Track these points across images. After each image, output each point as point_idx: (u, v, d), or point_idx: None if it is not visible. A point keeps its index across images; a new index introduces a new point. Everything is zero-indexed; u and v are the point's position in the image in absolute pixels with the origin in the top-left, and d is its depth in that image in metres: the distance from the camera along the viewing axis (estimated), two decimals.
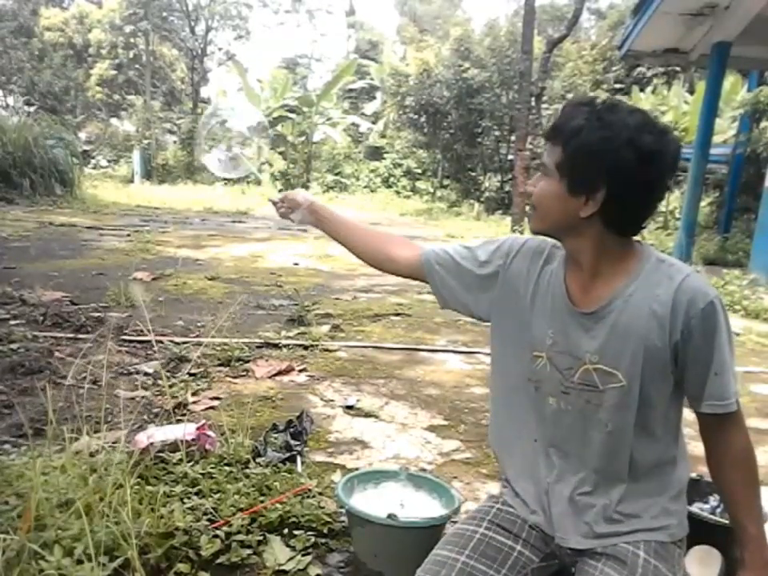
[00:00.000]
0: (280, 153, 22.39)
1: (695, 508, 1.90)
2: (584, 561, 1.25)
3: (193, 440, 2.28)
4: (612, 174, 1.14)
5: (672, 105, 16.17)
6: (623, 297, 1.20)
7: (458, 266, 1.40)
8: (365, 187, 23.27)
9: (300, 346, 4.07)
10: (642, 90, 17.42)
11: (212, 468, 2.18)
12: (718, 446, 1.26)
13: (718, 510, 1.99)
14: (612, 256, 1.22)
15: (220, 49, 31.10)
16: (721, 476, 1.28)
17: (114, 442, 2.21)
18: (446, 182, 21.44)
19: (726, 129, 13.63)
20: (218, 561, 1.75)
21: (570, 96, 16.39)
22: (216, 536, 1.81)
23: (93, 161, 24.05)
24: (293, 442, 2.46)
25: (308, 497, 2.08)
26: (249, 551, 1.80)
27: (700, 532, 1.50)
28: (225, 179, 22.18)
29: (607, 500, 1.25)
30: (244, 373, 3.50)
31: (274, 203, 1.65)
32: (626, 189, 1.15)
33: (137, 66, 28.13)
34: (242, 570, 1.76)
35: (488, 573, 1.22)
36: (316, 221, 1.59)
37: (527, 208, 1.31)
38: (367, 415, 3.02)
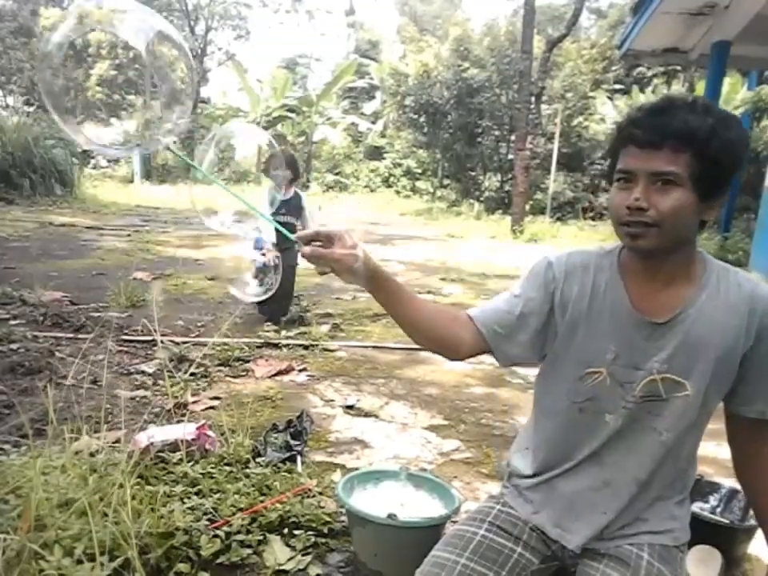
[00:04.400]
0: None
1: (695, 508, 1.91)
2: (584, 562, 1.25)
3: (193, 440, 2.28)
4: (737, 173, 1.12)
5: None
6: (695, 306, 1.17)
7: (521, 317, 1.25)
8: (365, 187, 23.26)
9: (300, 345, 4.08)
10: (642, 90, 17.41)
11: (212, 468, 2.18)
12: (758, 455, 1.26)
13: (718, 510, 1.99)
14: (688, 260, 1.19)
15: (220, 49, 31.13)
16: (757, 484, 1.28)
17: (114, 442, 2.22)
18: (445, 181, 21.43)
19: None
20: (218, 561, 1.75)
21: (569, 95, 16.40)
22: (216, 536, 1.81)
23: (92, 161, 24.00)
24: (293, 442, 2.46)
25: (308, 497, 2.08)
26: (249, 551, 1.81)
27: (700, 532, 1.50)
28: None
29: (622, 504, 1.25)
30: (244, 373, 3.50)
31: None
32: (732, 185, 1.17)
33: (136, 65, 28.11)
34: (242, 570, 1.76)
35: (488, 575, 1.21)
36: (371, 281, 1.15)
37: (611, 224, 1.15)
38: (367, 415, 3.02)
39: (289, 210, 4.58)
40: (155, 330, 3.08)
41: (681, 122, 1.07)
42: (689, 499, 1.32)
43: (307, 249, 1.10)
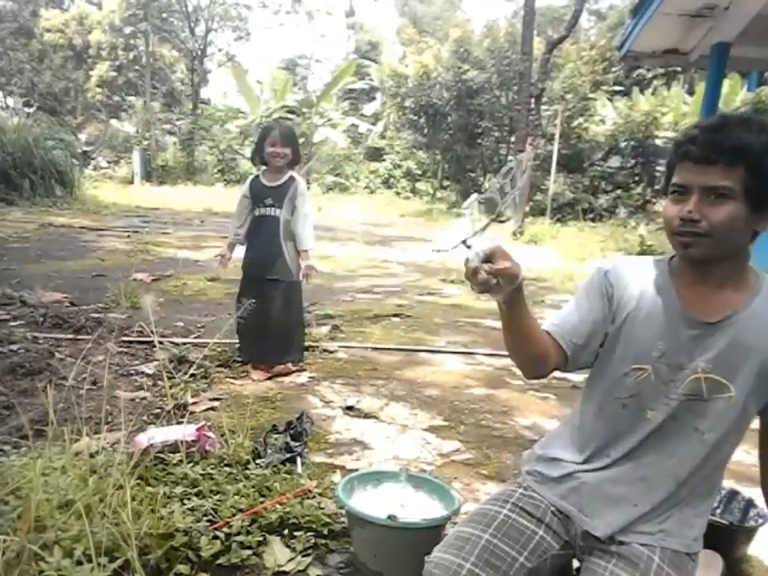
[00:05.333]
0: None
1: None
2: (590, 560, 1.26)
3: (193, 441, 2.28)
4: None
5: (672, 106, 16.18)
6: (746, 311, 1.20)
7: (593, 325, 1.31)
8: (365, 188, 23.27)
9: None
10: (642, 92, 17.43)
11: (212, 469, 2.18)
12: None
13: (718, 512, 1.99)
14: (740, 268, 1.23)
15: (220, 50, 31.09)
16: None
17: (114, 443, 2.22)
18: (445, 182, 21.44)
19: None
20: (218, 562, 1.75)
21: (569, 97, 16.40)
22: (216, 537, 1.81)
23: (93, 162, 24.03)
24: (293, 443, 2.46)
25: (308, 498, 2.08)
26: (249, 552, 1.81)
27: None
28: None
29: (657, 499, 1.26)
30: (244, 374, 3.50)
31: (475, 271, 1.12)
32: None
33: (137, 67, 28.13)
34: (242, 571, 1.76)
35: (510, 553, 1.24)
36: (517, 291, 1.18)
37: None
38: (367, 416, 3.02)
39: (277, 199, 3.47)
40: (153, 332, 3.08)
41: (735, 139, 1.13)
42: (708, 513, 1.33)
43: (486, 266, 1.11)
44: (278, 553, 1.81)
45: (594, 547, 1.28)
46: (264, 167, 3.55)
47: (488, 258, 1.12)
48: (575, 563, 1.47)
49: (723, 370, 1.20)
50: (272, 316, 3.45)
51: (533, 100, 13.41)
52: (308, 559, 1.81)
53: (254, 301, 3.25)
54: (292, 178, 3.52)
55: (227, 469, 2.21)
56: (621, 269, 1.33)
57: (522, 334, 1.26)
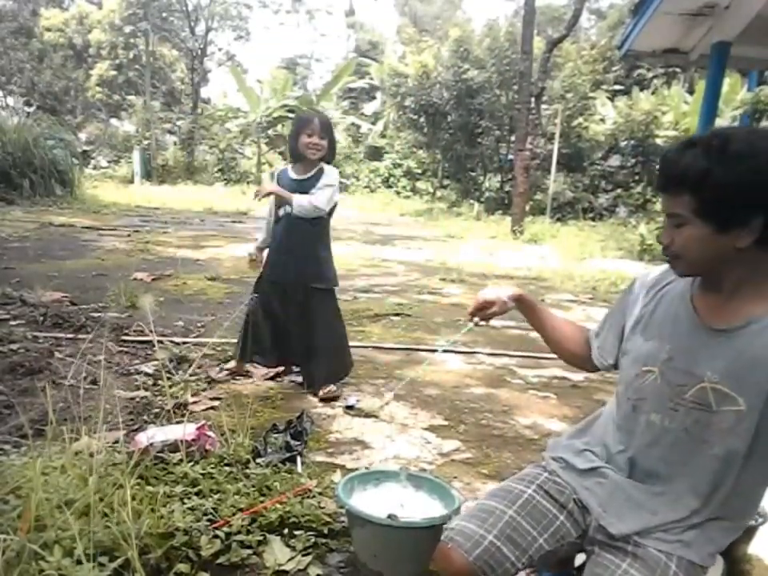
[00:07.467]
0: (280, 153, 22.41)
1: None
2: (601, 555, 1.25)
3: (193, 440, 2.28)
4: (754, 204, 1.10)
5: (672, 105, 16.17)
6: (760, 323, 1.16)
7: (614, 325, 1.44)
8: (365, 187, 23.28)
9: None
10: (642, 91, 17.42)
11: (212, 468, 2.18)
12: None
13: None
14: (759, 279, 1.19)
15: (220, 49, 31.13)
16: None
17: (114, 443, 2.21)
18: (445, 182, 21.44)
19: None
20: (218, 561, 1.75)
21: (569, 96, 16.40)
22: (216, 536, 1.81)
23: (93, 161, 24.05)
24: (293, 443, 2.46)
25: (308, 497, 2.08)
26: (249, 551, 1.81)
27: None
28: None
29: (678, 516, 1.23)
30: (244, 373, 3.50)
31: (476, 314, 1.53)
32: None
33: (137, 66, 28.13)
34: (242, 571, 1.76)
35: (531, 533, 1.25)
36: (519, 308, 1.55)
37: (665, 257, 1.27)
38: (367, 415, 3.02)
39: (304, 193, 3.14)
40: (151, 331, 3.08)
41: (675, 168, 1.15)
42: (736, 534, 1.28)
43: (477, 320, 1.55)
44: (278, 552, 1.81)
45: (606, 543, 1.27)
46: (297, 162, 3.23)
47: (482, 307, 1.51)
48: (577, 561, 1.47)
49: (731, 381, 1.16)
50: (299, 325, 3.21)
51: (533, 99, 13.39)
52: (308, 558, 1.81)
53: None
54: (321, 169, 3.19)
55: (227, 468, 2.21)
56: (649, 277, 1.37)
57: (542, 334, 1.55)
